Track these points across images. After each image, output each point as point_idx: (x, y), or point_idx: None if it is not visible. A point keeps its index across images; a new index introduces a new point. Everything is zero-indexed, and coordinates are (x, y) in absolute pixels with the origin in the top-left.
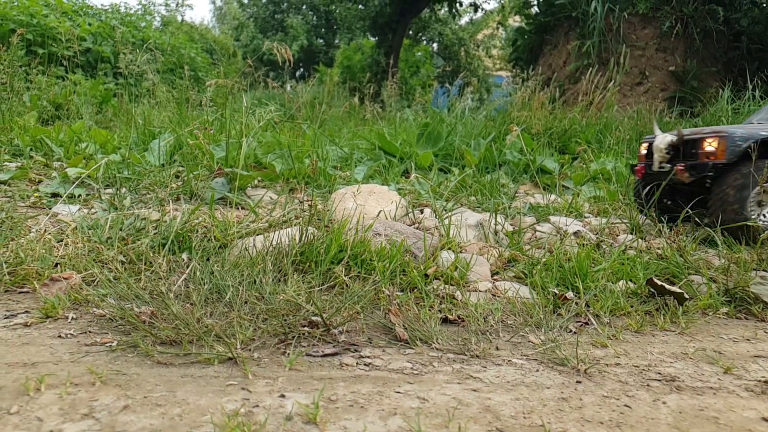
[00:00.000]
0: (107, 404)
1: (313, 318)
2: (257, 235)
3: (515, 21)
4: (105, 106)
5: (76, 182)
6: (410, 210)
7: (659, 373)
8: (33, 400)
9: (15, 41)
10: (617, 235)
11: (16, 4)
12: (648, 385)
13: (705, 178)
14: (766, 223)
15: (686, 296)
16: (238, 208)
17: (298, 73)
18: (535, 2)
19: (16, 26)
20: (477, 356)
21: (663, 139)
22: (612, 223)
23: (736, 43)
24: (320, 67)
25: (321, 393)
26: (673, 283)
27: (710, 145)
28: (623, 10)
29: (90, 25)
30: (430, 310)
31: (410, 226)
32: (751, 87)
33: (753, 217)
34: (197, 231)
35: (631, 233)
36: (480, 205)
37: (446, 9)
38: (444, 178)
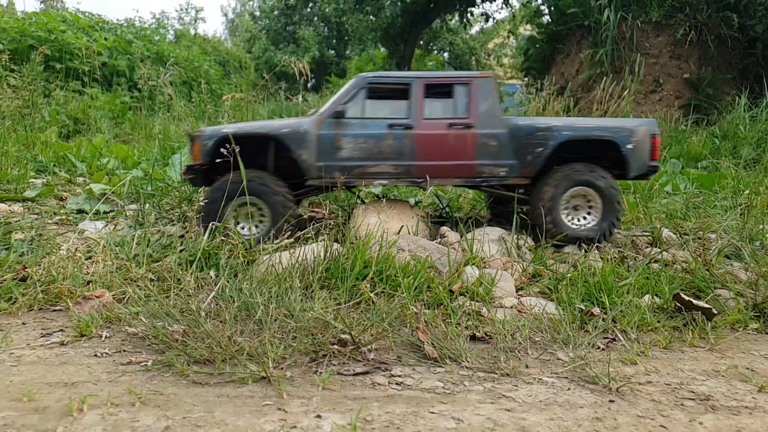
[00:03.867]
0: (148, 425)
1: (342, 336)
2: (282, 251)
3: (525, 30)
4: (122, 119)
5: (102, 199)
6: (431, 224)
7: (692, 392)
8: (77, 420)
9: (37, 59)
10: (641, 248)
11: (34, 20)
12: (682, 405)
13: (193, 180)
14: (248, 236)
15: (714, 311)
16: None
17: (310, 85)
18: (547, 11)
19: (34, 42)
20: (507, 375)
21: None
22: (634, 236)
23: (751, 49)
24: (332, 78)
25: (358, 414)
26: (699, 298)
27: (194, 146)
28: (636, 18)
29: (106, 39)
30: (457, 327)
31: (432, 240)
32: None
33: (241, 228)
34: (223, 248)
35: (654, 245)
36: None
37: (457, 19)
38: (462, 189)
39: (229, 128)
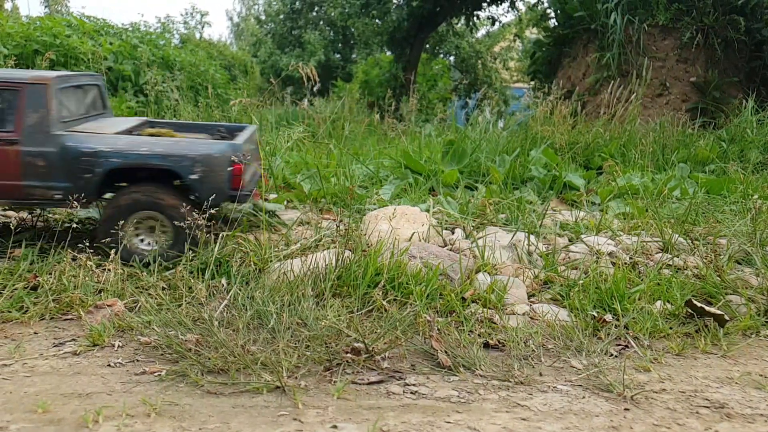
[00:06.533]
0: None
1: (356, 344)
2: (293, 258)
3: (532, 33)
4: None
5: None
6: (441, 231)
7: (707, 400)
8: None
9: (43, 64)
10: (651, 254)
11: (39, 25)
12: (697, 413)
13: None
14: None
15: (726, 318)
16: (270, 231)
17: (315, 88)
18: (553, 15)
19: (39, 47)
20: (521, 383)
21: None
22: (644, 242)
23: (757, 53)
24: (338, 82)
25: (375, 425)
26: (711, 304)
27: None
28: (643, 22)
29: (111, 44)
30: (470, 334)
31: (443, 247)
32: None
33: None
34: (235, 256)
35: (665, 251)
36: (508, 223)
37: (463, 22)
38: (471, 195)
39: None
